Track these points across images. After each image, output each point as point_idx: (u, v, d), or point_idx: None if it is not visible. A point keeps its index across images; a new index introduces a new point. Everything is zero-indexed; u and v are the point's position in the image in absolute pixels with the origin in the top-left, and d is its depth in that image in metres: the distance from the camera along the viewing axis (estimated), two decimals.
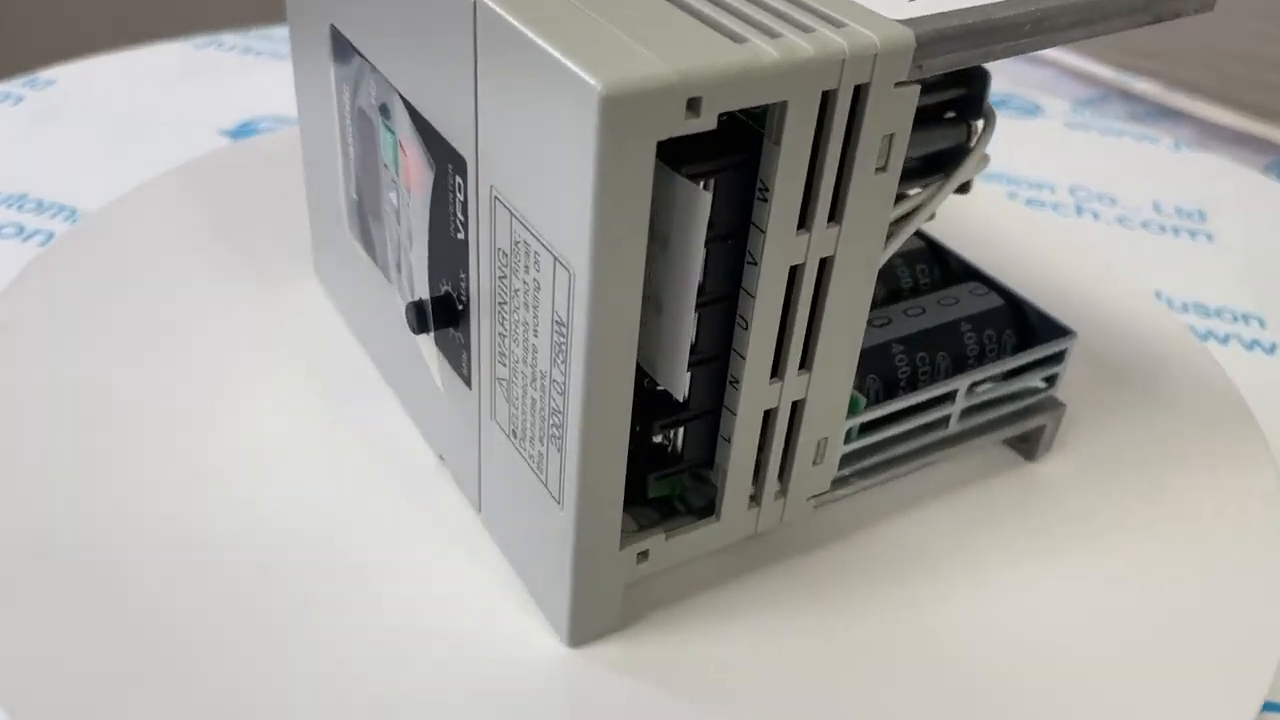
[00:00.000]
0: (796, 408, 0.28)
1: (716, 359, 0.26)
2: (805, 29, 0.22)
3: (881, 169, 0.24)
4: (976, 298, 0.34)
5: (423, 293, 0.29)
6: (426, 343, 0.30)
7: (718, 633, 0.29)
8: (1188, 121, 0.59)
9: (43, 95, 0.51)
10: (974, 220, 0.45)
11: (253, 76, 0.54)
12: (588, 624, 0.28)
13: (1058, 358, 0.33)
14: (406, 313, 0.29)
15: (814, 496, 0.30)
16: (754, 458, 0.28)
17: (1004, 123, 0.37)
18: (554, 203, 0.22)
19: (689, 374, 0.26)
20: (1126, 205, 0.50)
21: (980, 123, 0.31)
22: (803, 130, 0.23)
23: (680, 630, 0.29)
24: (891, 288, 0.35)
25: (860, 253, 0.26)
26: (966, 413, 0.33)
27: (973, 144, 0.31)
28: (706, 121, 0.21)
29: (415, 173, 0.28)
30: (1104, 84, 0.59)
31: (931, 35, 0.23)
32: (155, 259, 0.40)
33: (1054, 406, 0.34)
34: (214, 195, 0.43)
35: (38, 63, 0.55)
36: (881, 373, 0.32)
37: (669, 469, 0.28)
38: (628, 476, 0.25)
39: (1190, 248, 0.49)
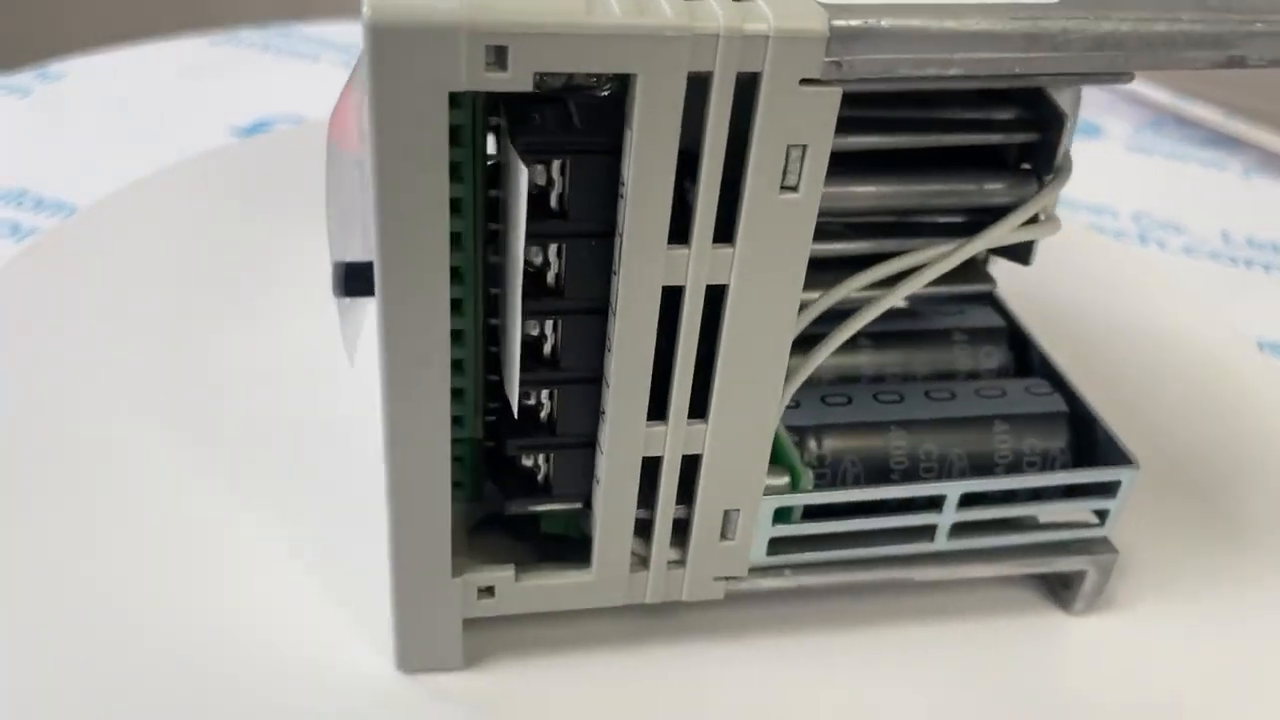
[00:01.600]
0: (694, 465, 0.23)
1: (586, 382, 0.22)
2: None
3: (790, 188, 0.20)
4: (1032, 396, 0.28)
5: (350, 255, 0.27)
6: (341, 308, 0.27)
7: (586, 694, 0.25)
8: (1248, 150, 0.53)
9: (52, 88, 0.49)
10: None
11: (270, 74, 0.51)
12: (419, 651, 0.24)
13: (1107, 490, 0.27)
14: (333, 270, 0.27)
15: (727, 579, 0.25)
16: (633, 510, 0.23)
17: None
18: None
19: (547, 390, 0.22)
20: (1194, 234, 0.46)
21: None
22: (660, 117, 0.18)
23: (544, 678, 0.25)
24: (943, 369, 0.29)
25: (769, 289, 0.21)
26: (964, 530, 0.26)
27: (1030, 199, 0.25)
28: (519, 80, 0.18)
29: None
30: (1160, 108, 0.55)
31: (858, 29, 0.18)
32: (139, 259, 0.37)
33: (1101, 550, 0.27)
34: (210, 192, 0.41)
35: (48, 54, 0.52)
36: (868, 457, 0.26)
37: (535, 500, 0.24)
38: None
39: (1264, 281, 0.44)
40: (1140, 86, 0.55)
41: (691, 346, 0.21)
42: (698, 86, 0.18)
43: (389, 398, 0.21)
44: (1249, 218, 0.48)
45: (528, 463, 0.24)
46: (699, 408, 0.22)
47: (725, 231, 0.20)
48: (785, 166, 0.20)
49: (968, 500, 0.26)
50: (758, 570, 0.26)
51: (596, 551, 0.24)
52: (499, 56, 0.17)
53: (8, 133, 0.46)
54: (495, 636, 0.25)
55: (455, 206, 0.20)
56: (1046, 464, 0.27)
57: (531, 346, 0.22)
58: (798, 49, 0.18)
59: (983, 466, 0.27)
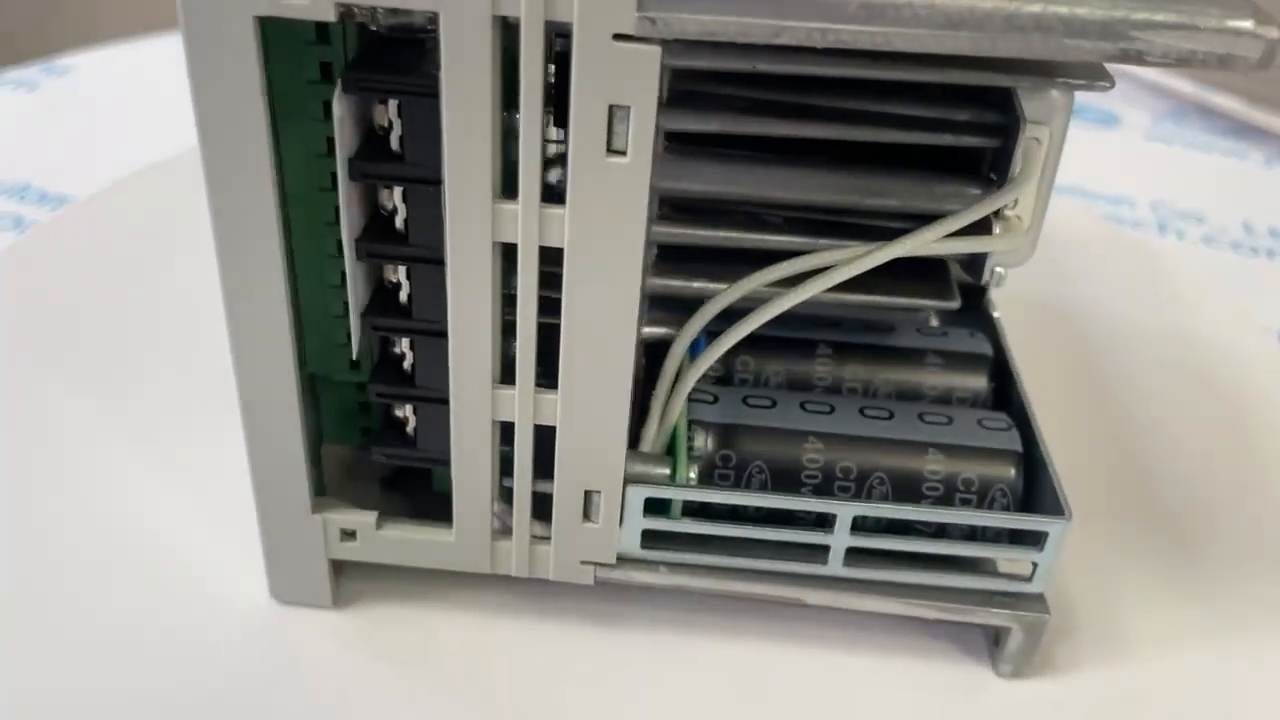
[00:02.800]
0: (549, 436, 0.23)
1: (438, 335, 0.22)
2: None
3: (618, 152, 0.19)
4: (982, 428, 0.25)
5: None
6: None
7: (443, 654, 0.25)
8: (1271, 140, 0.52)
9: (59, 83, 0.48)
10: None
11: None
12: (289, 584, 0.25)
13: (1036, 540, 0.24)
14: None
15: (595, 564, 0.24)
16: (488, 474, 0.23)
17: (1079, 133, 0.31)
18: None
19: (407, 340, 0.22)
20: (1214, 224, 0.45)
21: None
22: (468, 60, 0.18)
23: (412, 629, 0.25)
24: (909, 390, 0.27)
25: (606, 256, 0.20)
26: (862, 559, 0.24)
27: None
28: (319, 8, 0.18)
29: None
30: (1182, 98, 0.54)
31: None
32: (134, 248, 0.37)
33: (1029, 607, 0.24)
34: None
35: (55, 49, 0.52)
36: (778, 465, 0.25)
37: (398, 451, 0.24)
38: None
39: None
40: (1161, 76, 0.55)
41: (530, 309, 0.21)
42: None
43: (230, 330, 0.21)
44: (1272, 208, 0.47)
45: (399, 414, 0.24)
46: (548, 377, 0.22)
47: (553, 191, 0.20)
48: (611, 128, 0.19)
49: (877, 528, 0.24)
50: (632, 562, 0.25)
51: (456, 513, 0.24)
52: None
53: (14, 127, 0.46)
54: (386, 587, 0.26)
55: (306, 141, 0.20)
56: (983, 502, 0.25)
57: (392, 293, 0.22)
58: (605, 1, 0.17)
59: (908, 495, 0.25)
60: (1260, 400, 0.34)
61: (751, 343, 0.27)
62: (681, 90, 0.23)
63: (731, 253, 0.25)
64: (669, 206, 0.25)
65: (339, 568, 0.25)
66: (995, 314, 0.29)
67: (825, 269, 0.23)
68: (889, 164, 0.24)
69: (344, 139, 0.20)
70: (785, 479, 0.25)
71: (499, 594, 0.26)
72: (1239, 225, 0.45)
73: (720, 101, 0.23)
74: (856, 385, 0.28)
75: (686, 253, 0.25)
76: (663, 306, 0.25)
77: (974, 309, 0.29)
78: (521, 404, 0.22)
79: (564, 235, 0.20)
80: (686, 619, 0.26)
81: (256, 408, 0.22)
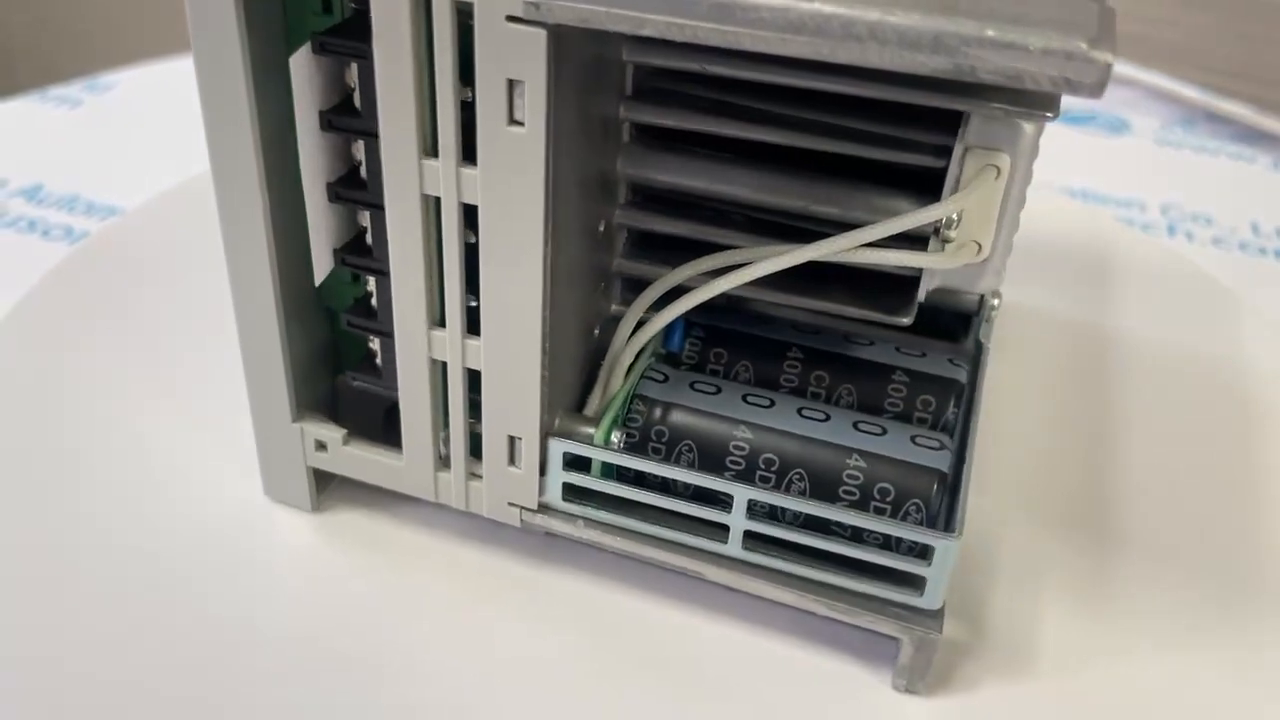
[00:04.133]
0: (477, 381, 0.25)
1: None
2: None
3: (517, 123, 0.21)
4: (913, 445, 0.26)
5: None
6: None
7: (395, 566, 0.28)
8: (1278, 144, 0.53)
9: (101, 99, 0.50)
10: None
11: None
12: (277, 482, 0.29)
13: (920, 553, 0.24)
14: None
15: (520, 508, 0.27)
16: (427, 409, 0.26)
17: (1090, 139, 0.36)
18: None
19: (372, 278, 0.25)
20: (1223, 226, 0.46)
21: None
22: (392, 31, 0.21)
23: (375, 535, 0.29)
24: (870, 404, 0.28)
25: (511, 217, 0.23)
26: (760, 544, 0.25)
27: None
28: None
29: None
30: (1190, 104, 0.56)
31: None
32: (182, 258, 0.38)
33: (919, 622, 0.25)
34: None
35: (98, 66, 0.54)
36: (707, 446, 0.26)
37: (365, 379, 0.27)
38: None
39: None
40: (1169, 82, 0.56)
41: (454, 258, 0.23)
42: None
43: (226, 248, 0.25)
44: (1279, 209, 0.48)
45: (371, 346, 0.27)
46: (472, 325, 0.24)
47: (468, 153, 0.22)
48: (510, 100, 0.21)
49: (796, 521, 0.25)
50: (555, 512, 0.27)
51: (405, 443, 0.27)
52: None
53: (61, 142, 0.47)
54: (362, 500, 0.29)
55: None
56: (895, 513, 0.25)
57: (361, 235, 0.25)
58: None
59: (824, 495, 0.26)
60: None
61: (728, 339, 0.29)
62: (651, 87, 0.26)
63: (708, 245, 0.26)
64: (640, 196, 0.27)
65: (323, 480, 0.29)
66: (987, 344, 0.29)
67: (743, 265, 0.25)
68: (842, 175, 0.25)
69: (306, 92, 0.23)
70: (711, 461, 0.26)
71: (458, 520, 0.28)
72: (1247, 226, 0.46)
73: (684, 100, 0.25)
74: (820, 392, 0.28)
75: (673, 242, 0.27)
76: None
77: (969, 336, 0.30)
78: (452, 346, 0.25)
79: (477, 194, 0.22)
80: (613, 571, 0.28)
81: (248, 327, 0.26)
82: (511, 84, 0.21)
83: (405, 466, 0.27)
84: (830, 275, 0.26)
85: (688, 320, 0.30)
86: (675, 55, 0.24)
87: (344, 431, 0.27)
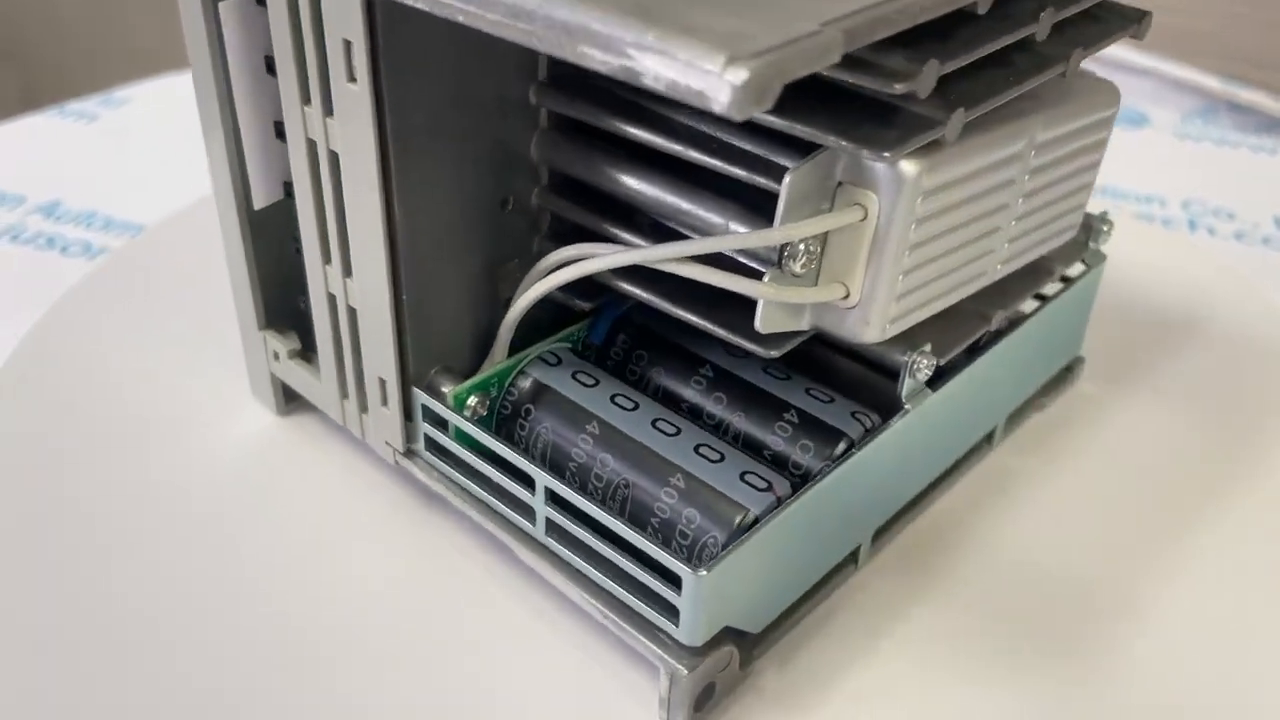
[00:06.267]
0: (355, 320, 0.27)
1: None
2: None
3: (352, 80, 0.23)
4: (739, 483, 0.25)
5: None
6: None
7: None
8: None
9: (117, 114, 0.50)
10: None
11: None
12: (256, 383, 0.33)
13: (675, 583, 0.23)
14: None
15: (392, 449, 0.28)
16: (329, 336, 0.28)
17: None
18: None
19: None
20: (1245, 220, 0.45)
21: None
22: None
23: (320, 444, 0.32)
24: (754, 440, 0.27)
25: (355, 165, 0.25)
26: (562, 537, 0.25)
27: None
28: None
29: None
30: (1210, 94, 0.55)
31: None
32: (205, 273, 0.36)
33: (674, 654, 0.24)
34: None
35: (113, 81, 0.53)
36: (557, 434, 0.27)
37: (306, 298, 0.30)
38: None
39: None
40: (1188, 73, 0.54)
41: (329, 203, 0.26)
42: None
43: (210, 176, 0.29)
44: None
45: None
46: (345, 265, 0.27)
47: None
48: (348, 59, 0.23)
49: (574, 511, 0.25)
50: (419, 460, 0.28)
51: (320, 363, 0.29)
52: None
53: (78, 158, 0.47)
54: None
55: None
56: (696, 541, 0.25)
57: None
58: None
59: (640, 511, 0.25)
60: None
61: (653, 344, 0.29)
62: (567, 75, 0.27)
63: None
64: (558, 180, 0.28)
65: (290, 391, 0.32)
66: (908, 405, 0.27)
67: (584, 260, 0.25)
68: (719, 188, 0.25)
69: (235, 37, 0.26)
70: (558, 450, 0.27)
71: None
72: (1270, 220, 0.46)
73: (595, 94, 0.26)
74: (715, 413, 0.28)
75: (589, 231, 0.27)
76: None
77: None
78: (333, 283, 0.27)
79: (334, 144, 0.25)
80: (473, 530, 0.29)
81: (228, 243, 0.30)
82: (347, 44, 0.23)
83: (323, 389, 0.30)
84: (726, 293, 0.26)
85: (622, 318, 0.30)
86: None
87: (293, 346, 0.31)
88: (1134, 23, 0.28)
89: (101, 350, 0.35)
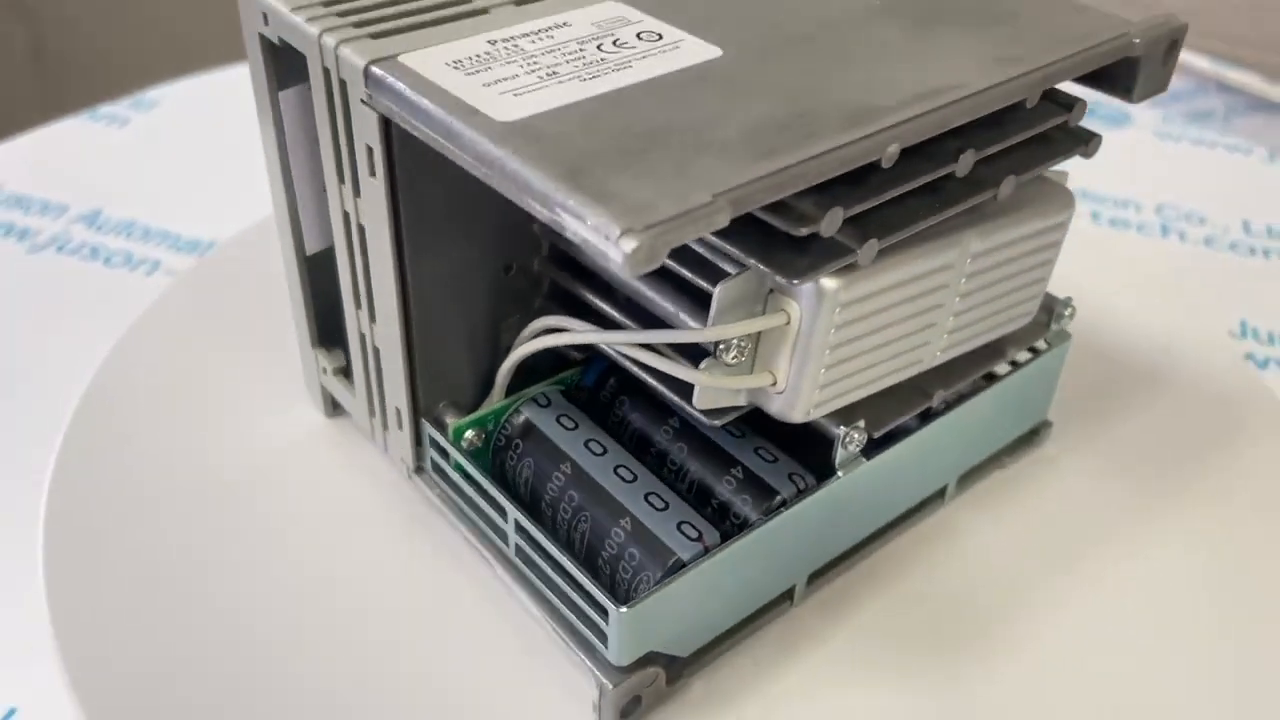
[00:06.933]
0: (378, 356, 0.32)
1: None
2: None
3: (372, 175, 0.28)
4: (676, 530, 0.29)
5: None
6: None
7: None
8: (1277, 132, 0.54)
9: (148, 118, 0.50)
10: None
11: None
12: (310, 387, 0.38)
13: (604, 614, 0.28)
14: None
15: (405, 464, 0.34)
16: (360, 365, 0.34)
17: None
18: None
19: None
20: (1215, 224, 0.47)
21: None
22: (314, 84, 0.29)
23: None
24: (705, 488, 0.31)
25: (375, 237, 0.29)
26: (525, 560, 0.30)
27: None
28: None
29: None
30: (1199, 74, 0.57)
31: (375, 75, 0.26)
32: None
33: (607, 674, 0.28)
34: None
35: (142, 84, 0.53)
36: (536, 471, 0.32)
37: None
38: None
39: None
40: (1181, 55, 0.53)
41: (360, 262, 0.31)
42: None
43: (275, 217, 0.34)
44: (1272, 205, 0.48)
45: None
46: (372, 312, 0.32)
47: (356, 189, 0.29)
48: (370, 157, 0.28)
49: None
50: (426, 478, 0.33)
51: (355, 382, 0.35)
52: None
53: (114, 164, 0.47)
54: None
55: None
56: (634, 579, 0.29)
57: None
58: (352, 75, 0.27)
59: (596, 544, 0.30)
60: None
61: (634, 391, 0.34)
62: None
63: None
64: (558, 251, 0.32)
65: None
66: (840, 474, 0.31)
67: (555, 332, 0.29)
68: (675, 282, 0.29)
69: (292, 118, 0.31)
70: (538, 484, 0.32)
71: None
72: (1239, 224, 0.48)
73: None
74: (676, 461, 0.32)
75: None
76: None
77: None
78: (362, 325, 0.32)
79: (360, 219, 0.30)
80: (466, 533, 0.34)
81: (286, 270, 0.35)
82: (369, 148, 0.28)
83: (355, 408, 0.35)
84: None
85: (612, 365, 0.34)
86: None
87: (338, 364, 0.36)
88: (1083, 144, 0.30)
89: (187, 354, 0.40)
